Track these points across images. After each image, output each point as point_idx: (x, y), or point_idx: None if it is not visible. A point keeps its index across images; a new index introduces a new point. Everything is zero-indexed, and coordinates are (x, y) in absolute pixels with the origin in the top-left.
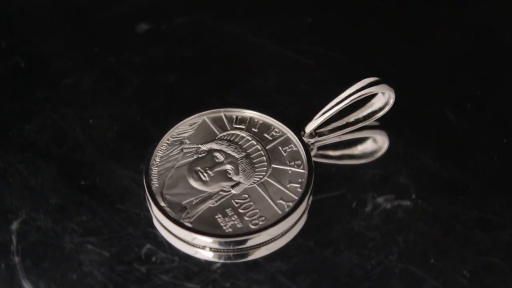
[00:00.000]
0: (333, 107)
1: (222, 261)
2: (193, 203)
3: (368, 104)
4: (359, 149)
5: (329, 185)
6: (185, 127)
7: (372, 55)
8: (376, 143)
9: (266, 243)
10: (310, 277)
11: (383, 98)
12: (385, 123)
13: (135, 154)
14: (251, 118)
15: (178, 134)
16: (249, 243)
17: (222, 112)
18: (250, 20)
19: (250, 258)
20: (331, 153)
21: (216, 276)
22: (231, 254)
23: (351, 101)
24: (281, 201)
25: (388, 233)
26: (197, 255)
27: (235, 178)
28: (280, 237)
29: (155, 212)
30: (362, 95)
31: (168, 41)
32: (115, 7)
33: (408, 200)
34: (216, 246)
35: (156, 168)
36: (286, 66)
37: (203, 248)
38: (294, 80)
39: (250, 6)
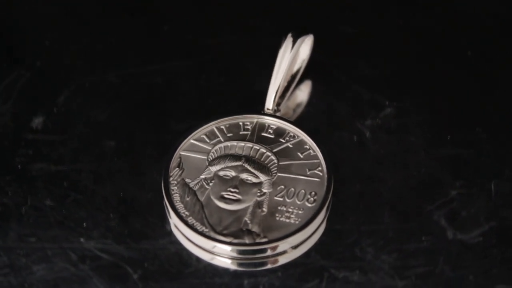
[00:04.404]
0: (282, 74)
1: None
2: (248, 221)
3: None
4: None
5: (321, 136)
6: (174, 171)
7: (248, 23)
8: (303, 91)
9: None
10: (385, 210)
11: (304, 45)
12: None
13: (151, 222)
14: (217, 128)
15: (177, 180)
16: (320, 219)
17: (190, 140)
18: (126, 58)
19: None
20: (290, 113)
21: (321, 262)
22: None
23: (290, 62)
24: (311, 171)
25: (399, 141)
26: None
27: (257, 180)
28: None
29: (228, 251)
30: (296, 52)
31: (72, 118)
32: None
33: (387, 108)
34: (306, 235)
35: (191, 217)
36: (189, 75)
37: (284, 253)
38: (207, 82)
39: (108, 47)
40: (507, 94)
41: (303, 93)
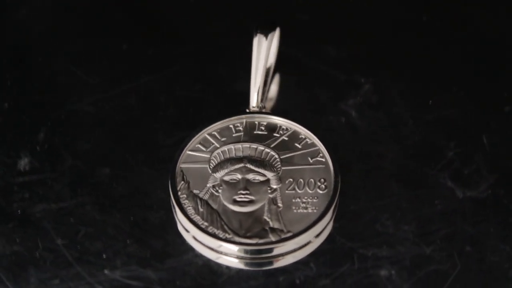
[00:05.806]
0: (261, 70)
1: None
2: (268, 220)
3: None
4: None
5: (310, 125)
6: (180, 184)
7: (204, 28)
8: (279, 84)
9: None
10: (392, 182)
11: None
12: None
13: (170, 240)
14: (209, 134)
15: (186, 193)
16: (335, 203)
17: (186, 151)
18: (93, 84)
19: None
20: (272, 107)
21: (348, 245)
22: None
23: (267, 57)
24: (314, 159)
25: (388, 113)
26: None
27: (264, 178)
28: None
29: (259, 251)
30: (270, 47)
31: (58, 153)
32: None
33: (365, 85)
34: (326, 221)
35: (211, 227)
36: (162, 88)
37: (309, 243)
38: (182, 92)
39: (73, 76)
40: (472, 49)
41: (280, 86)
